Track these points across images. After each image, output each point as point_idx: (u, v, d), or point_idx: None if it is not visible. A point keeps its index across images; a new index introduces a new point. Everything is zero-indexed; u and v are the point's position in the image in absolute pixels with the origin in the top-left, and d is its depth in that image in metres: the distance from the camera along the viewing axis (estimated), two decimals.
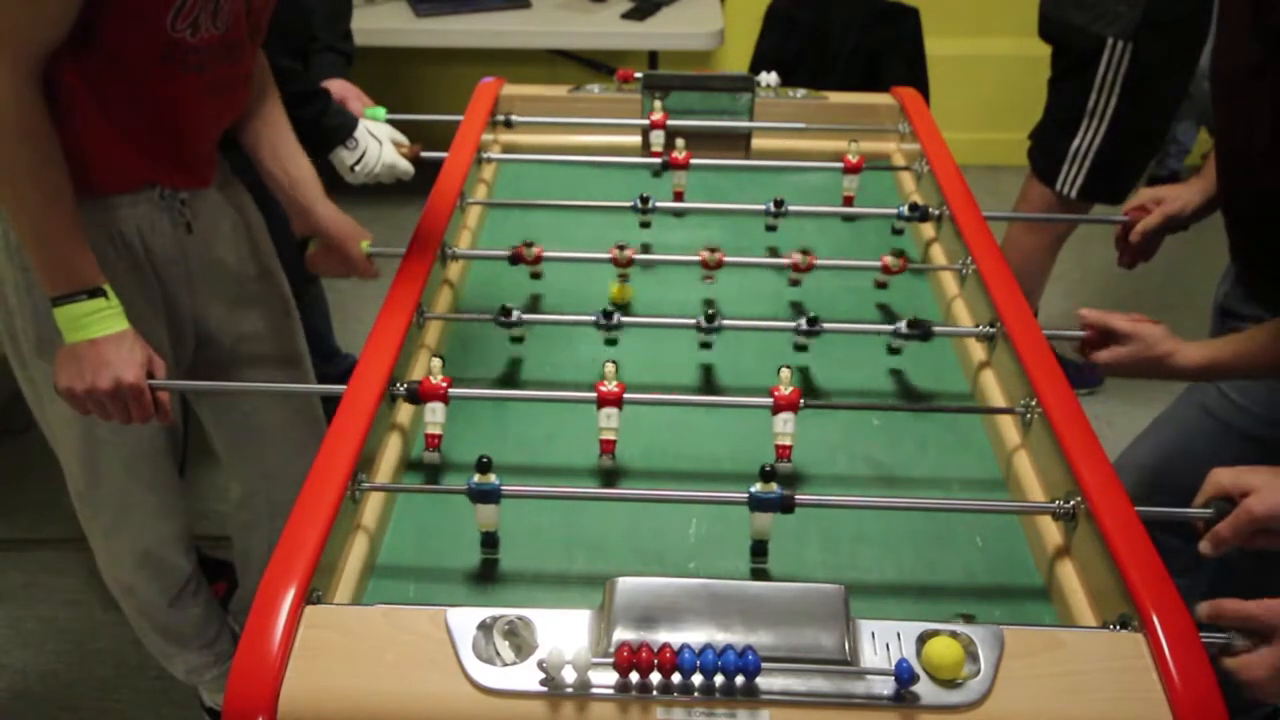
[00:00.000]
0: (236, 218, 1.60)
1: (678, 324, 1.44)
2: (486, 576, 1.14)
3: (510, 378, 1.45)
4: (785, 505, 1.09)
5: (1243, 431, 1.50)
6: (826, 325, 1.40)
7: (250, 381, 1.68)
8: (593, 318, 1.41)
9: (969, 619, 0.97)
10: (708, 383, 1.44)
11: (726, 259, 1.53)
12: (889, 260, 1.54)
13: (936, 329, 1.43)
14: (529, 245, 1.54)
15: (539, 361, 1.47)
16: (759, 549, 1.15)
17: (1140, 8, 2.34)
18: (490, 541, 1.15)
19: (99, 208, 1.40)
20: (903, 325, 1.40)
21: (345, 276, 1.64)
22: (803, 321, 1.39)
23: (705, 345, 1.47)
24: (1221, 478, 1.16)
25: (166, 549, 1.68)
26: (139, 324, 1.37)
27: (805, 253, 1.53)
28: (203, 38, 1.32)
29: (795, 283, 1.60)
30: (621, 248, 1.53)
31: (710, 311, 1.40)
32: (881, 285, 1.62)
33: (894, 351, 1.48)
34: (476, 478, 1.10)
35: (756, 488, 1.09)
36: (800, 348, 1.46)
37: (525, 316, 1.43)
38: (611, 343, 1.46)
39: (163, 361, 1.38)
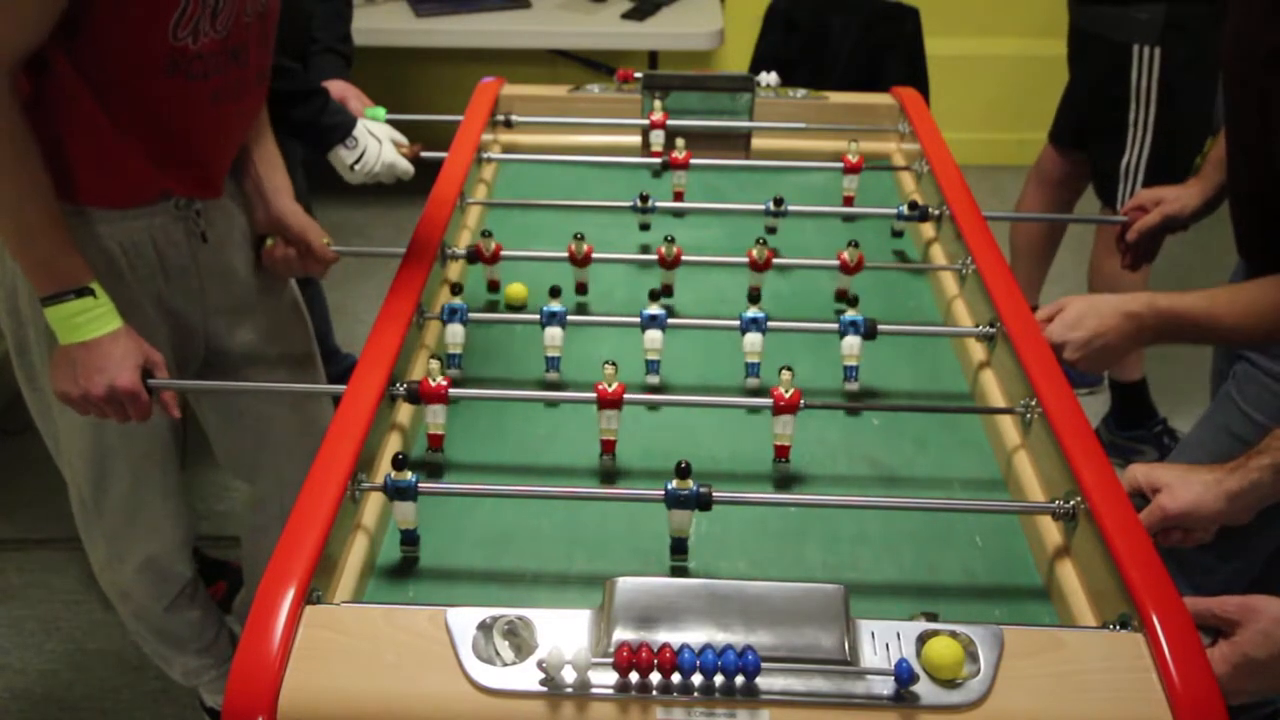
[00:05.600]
0: (247, 225, 1.60)
1: (624, 322, 1.43)
2: (486, 576, 1.14)
3: (510, 378, 1.45)
4: (702, 502, 1.09)
5: None
6: (774, 325, 1.39)
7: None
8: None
9: (932, 617, 0.97)
10: (707, 383, 1.44)
11: (685, 257, 1.53)
12: (846, 255, 1.53)
13: (935, 329, 1.44)
14: (487, 235, 1.54)
15: (539, 361, 1.47)
16: (678, 547, 1.14)
17: (1162, 12, 2.34)
18: (410, 539, 1.15)
19: (114, 219, 1.40)
20: (848, 319, 1.39)
21: (300, 274, 1.64)
22: (746, 318, 1.39)
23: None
24: (1136, 474, 1.18)
25: (169, 556, 1.68)
26: (146, 334, 1.37)
27: (763, 243, 1.52)
28: (204, 44, 1.32)
29: (755, 290, 1.55)
30: (580, 238, 1.52)
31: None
32: (842, 294, 1.59)
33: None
34: (393, 474, 1.10)
35: (673, 484, 1.09)
36: (752, 359, 1.43)
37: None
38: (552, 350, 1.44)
39: (161, 358, 1.38)
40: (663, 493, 1.09)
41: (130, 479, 1.56)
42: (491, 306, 1.58)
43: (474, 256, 1.54)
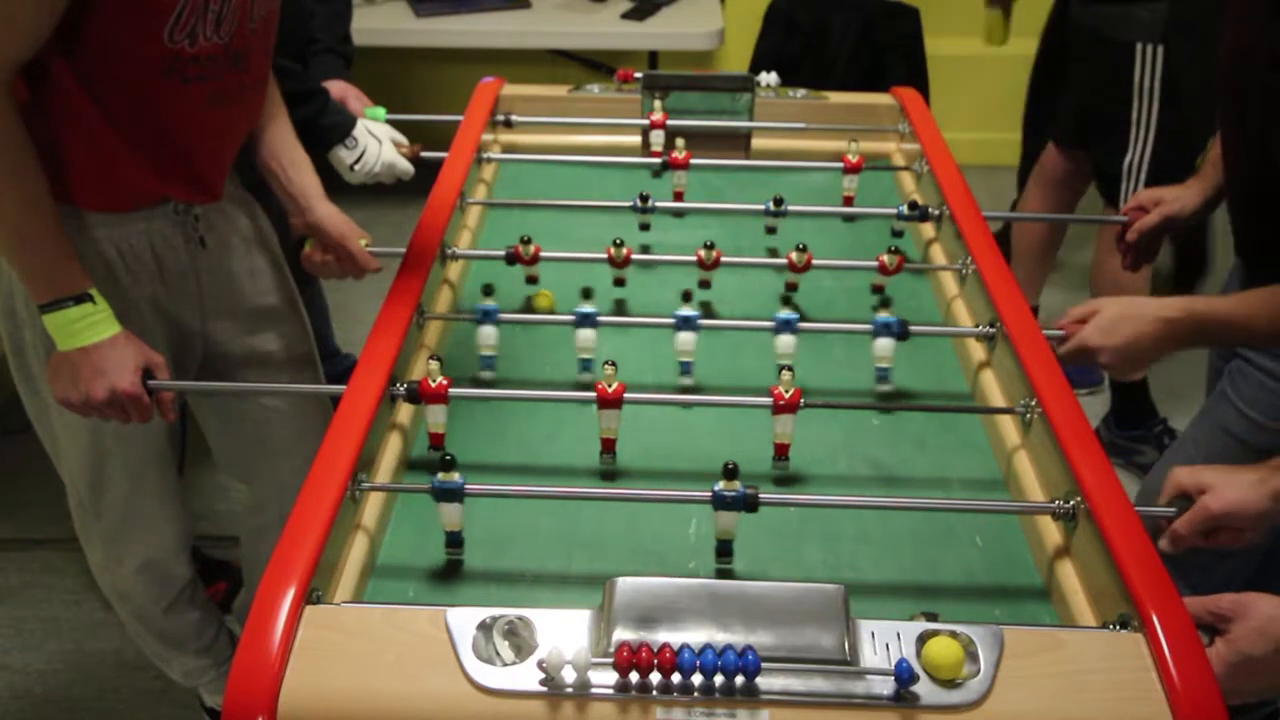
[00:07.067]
0: (249, 228, 1.59)
1: (658, 324, 1.44)
2: (486, 576, 1.14)
3: (510, 378, 1.45)
4: (749, 504, 1.09)
5: (1261, 448, 1.49)
6: (804, 325, 1.40)
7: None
8: (571, 318, 1.41)
9: (932, 617, 0.97)
10: (708, 383, 1.44)
11: (724, 258, 1.53)
12: (885, 259, 1.53)
13: (935, 329, 1.43)
14: (526, 242, 1.53)
15: (539, 361, 1.47)
16: (724, 549, 1.14)
17: (1165, 10, 2.34)
18: (454, 541, 1.15)
19: (112, 222, 1.40)
20: (881, 321, 1.40)
21: (340, 278, 1.63)
22: (780, 319, 1.39)
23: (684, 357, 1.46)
24: (1180, 476, 1.18)
25: (168, 558, 1.67)
26: (143, 338, 1.37)
27: (802, 249, 1.52)
28: (202, 48, 1.32)
29: (793, 286, 1.59)
30: (619, 244, 1.53)
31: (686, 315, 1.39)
32: (878, 289, 1.61)
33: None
34: (440, 475, 1.10)
35: (720, 486, 1.09)
36: (784, 360, 1.45)
37: (506, 316, 1.43)
38: (585, 353, 1.46)
39: (161, 359, 1.38)
40: (710, 495, 1.09)
41: (127, 482, 1.56)
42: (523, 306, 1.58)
43: (513, 259, 1.54)
